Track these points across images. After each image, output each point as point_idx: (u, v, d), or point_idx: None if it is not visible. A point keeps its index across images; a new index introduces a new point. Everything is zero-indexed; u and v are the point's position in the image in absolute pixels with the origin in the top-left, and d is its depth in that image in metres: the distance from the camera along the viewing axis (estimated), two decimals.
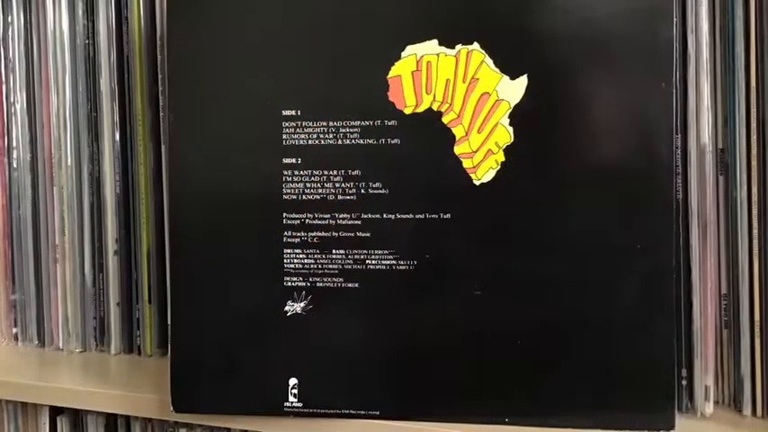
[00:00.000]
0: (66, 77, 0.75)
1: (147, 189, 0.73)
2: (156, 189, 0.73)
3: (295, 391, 0.58)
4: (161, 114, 0.72)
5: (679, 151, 0.56)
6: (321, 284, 0.58)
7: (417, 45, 0.56)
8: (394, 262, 0.57)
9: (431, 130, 0.56)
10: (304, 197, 0.58)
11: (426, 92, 0.56)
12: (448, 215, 0.56)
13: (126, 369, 0.71)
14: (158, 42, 0.71)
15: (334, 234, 0.58)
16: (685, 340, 0.57)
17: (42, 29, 0.76)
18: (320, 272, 0.58)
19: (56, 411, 0.73)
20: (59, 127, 0.75)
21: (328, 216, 0.58)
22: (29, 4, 0.76)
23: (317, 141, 0.58)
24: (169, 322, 0.61)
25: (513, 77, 0.55)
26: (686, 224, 0.57)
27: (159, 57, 0.71)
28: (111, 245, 0.74)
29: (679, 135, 0.56)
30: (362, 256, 0.57)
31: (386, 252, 0.57)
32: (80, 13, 0.74)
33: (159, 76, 0.71)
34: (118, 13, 0.73)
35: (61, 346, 0.77)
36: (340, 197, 0.57)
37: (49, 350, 0.77)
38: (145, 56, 0.72)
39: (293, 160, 0.58)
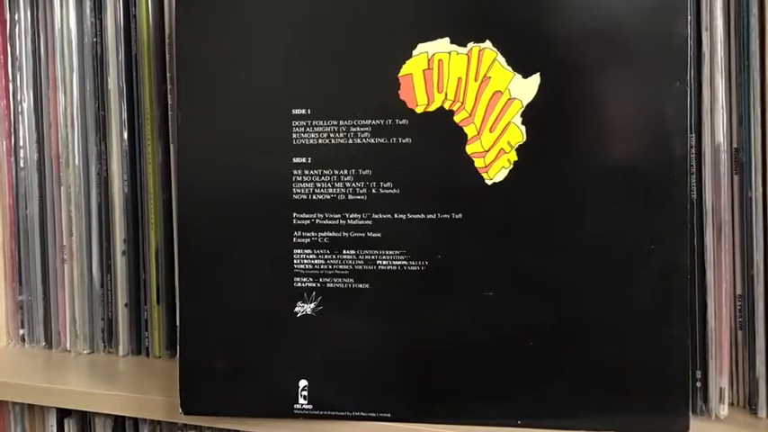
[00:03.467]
0: (73, 76, 0.75)
1: (155, 189, 0.73)
2: (164, 189, 0.73)
3: (305, 392, 0.57)
4: (169, 113, 0.71)
5: (693, 150, 0.56)
6: (331, 285, 0.57)
7: (429, 43, 0.56)
8: (405, 262, 0.56)
9: (442, 130, 0.56)
10: (314, 197, 0.57)
11: (438, 90, 0.56)
12: (459, 215, 0.56)
13: (134, 371, 0.71)
14: (167, 40, 0.71)
15: (344, 234, 0.57)
16: (700, 342, 0.57)
17: (50, 27, 0.75)
18: (330, 272, 0.57)
19: (63, 413, 0.73)
20: (67, 126, 0.75)
21: (339, 216, 0.57)
22: (36, 1, 0.76)
23: (327, 140, 0.57)
24: (178, 323, 0.60)
25: (525, 76, 0.55)
26: (701, 224, 0.57)
27: (168, 55, 0.71)
28: (119, 245, 0.74)
29: (693, 134, 0.56)
30: (373, 257, 0.57)
31: (397, 252, 0.56)
32: (88, 10, 0.74)
33: (168, 75, 0.71)
34: (126, 11, 0.73)
35: (68, 348, 0.77)
36: (350, 197, 0.57)
37: (56, 352, 0.77)
38: (153, 54, 0.72)
39: (303, 160, 0.57)
